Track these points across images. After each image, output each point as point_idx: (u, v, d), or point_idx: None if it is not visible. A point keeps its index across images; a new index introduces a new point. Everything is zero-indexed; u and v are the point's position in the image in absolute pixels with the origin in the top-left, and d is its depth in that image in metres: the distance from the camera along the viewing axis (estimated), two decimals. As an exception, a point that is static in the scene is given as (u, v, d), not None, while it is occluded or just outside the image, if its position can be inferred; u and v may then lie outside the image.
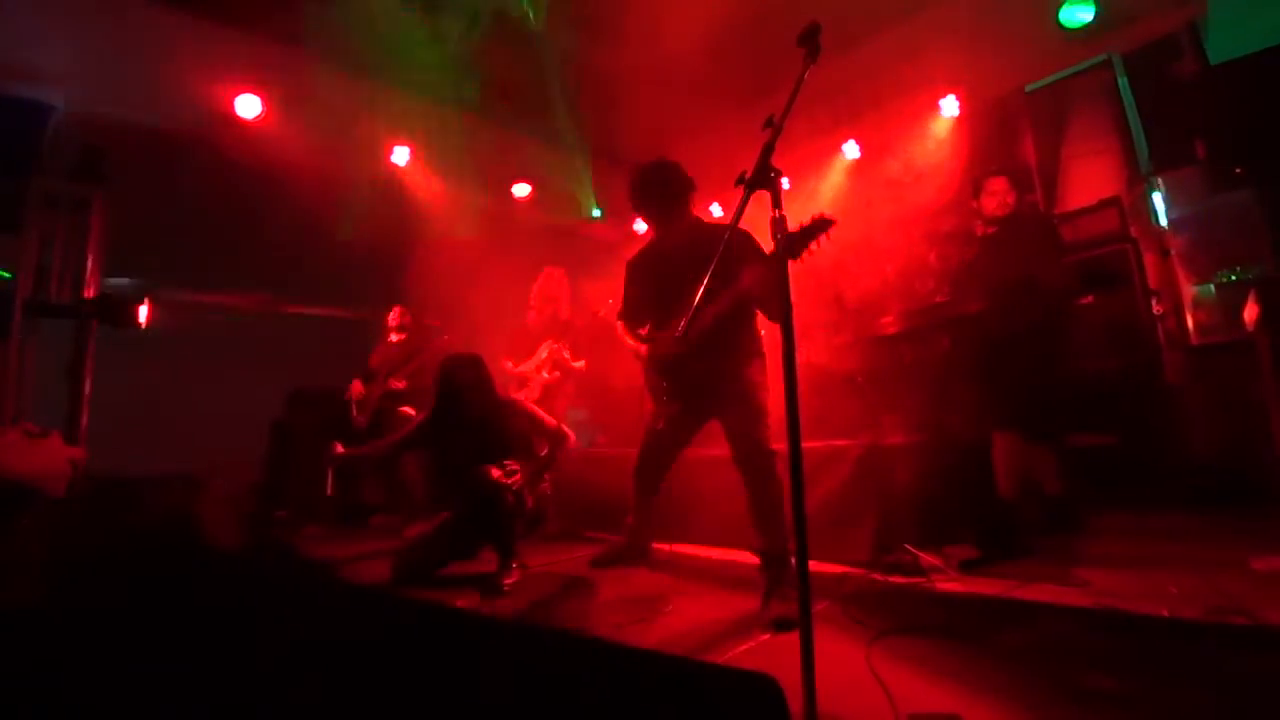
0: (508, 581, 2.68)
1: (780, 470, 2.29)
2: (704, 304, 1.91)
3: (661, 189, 2.67)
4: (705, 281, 1.82)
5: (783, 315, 2.28)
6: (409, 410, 4.55)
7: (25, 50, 3.99)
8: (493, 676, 0.94)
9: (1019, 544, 2.62)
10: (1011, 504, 2.81)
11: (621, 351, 3.02)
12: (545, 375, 4.24)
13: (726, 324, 2.36)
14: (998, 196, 3.10)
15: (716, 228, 2.56)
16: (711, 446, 2.74)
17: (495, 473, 2.72)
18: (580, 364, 4.41)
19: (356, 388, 4.56)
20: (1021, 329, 2.88)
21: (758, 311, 2.56)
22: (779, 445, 2.31)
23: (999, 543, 2.60)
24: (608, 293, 4.46)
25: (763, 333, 2.63)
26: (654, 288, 2.70)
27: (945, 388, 3.62)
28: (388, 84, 5.20)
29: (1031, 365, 2.82)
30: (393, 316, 4.83)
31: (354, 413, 4.56)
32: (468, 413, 2.93)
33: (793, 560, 2.17)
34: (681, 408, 2.62)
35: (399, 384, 4.48)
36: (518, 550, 2.80)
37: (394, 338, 4.78)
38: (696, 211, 2.75)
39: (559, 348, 4.35)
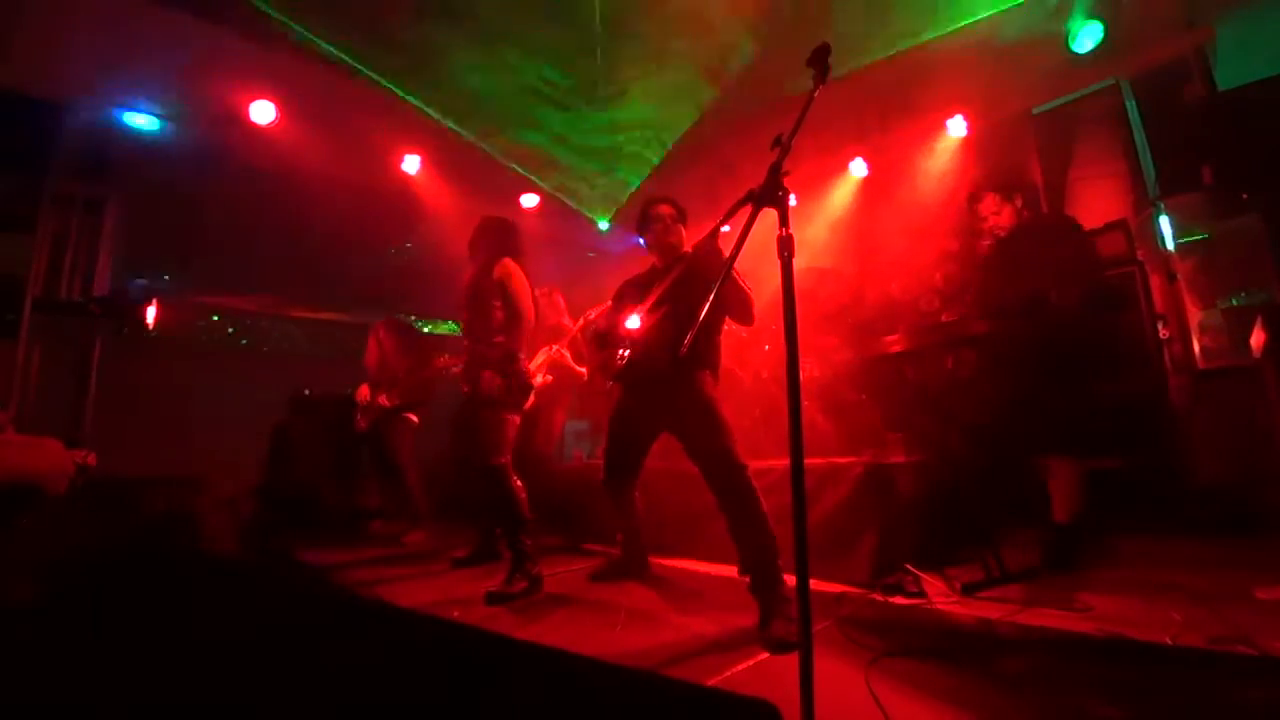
0: (512, 590, 2.67)
1: (755, 483, 2.27)
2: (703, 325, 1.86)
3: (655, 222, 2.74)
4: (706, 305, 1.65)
5: (750, 317, 2.32)
6: (411, 416, 4.56)
7: (43, 52, 4.05)
8: (483, 694, 0.93)
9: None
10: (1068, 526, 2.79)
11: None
12: (540, 379, 4.18)
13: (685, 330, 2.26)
14: (989, 220, 3.10)
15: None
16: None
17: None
18: (583, 369, 4.40)
19: (364, 393, 4.57)
20: (1026, 351, 2.87)
21: (723, 325, 2.62)
22: (771, 461, 2.32)
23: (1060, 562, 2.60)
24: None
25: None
26: (634, 304, 2.71)
27: (949, 407, 3.61)
28: (400, 93, 5.25)
29: (1048, 386, 2.80)
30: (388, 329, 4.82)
31: (358, 417, 4.58)
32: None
33: (787, 578, 2.17)
34: (635, 415, 2.67)
35: (392, 401, 4.47)
36: (530, 553, 2.79)
37: (391, 344, 4.78)
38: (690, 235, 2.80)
39: (559, 348, 4.32)
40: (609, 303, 3.02)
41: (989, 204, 3.11)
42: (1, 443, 3.07)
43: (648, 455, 2.79)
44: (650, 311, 2.56)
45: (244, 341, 6.33)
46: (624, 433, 2.75)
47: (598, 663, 0.93)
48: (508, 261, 3.04)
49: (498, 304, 2.98)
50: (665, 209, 2.75)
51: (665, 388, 2.47)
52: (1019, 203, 3.11)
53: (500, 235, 3.20)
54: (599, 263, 7.32)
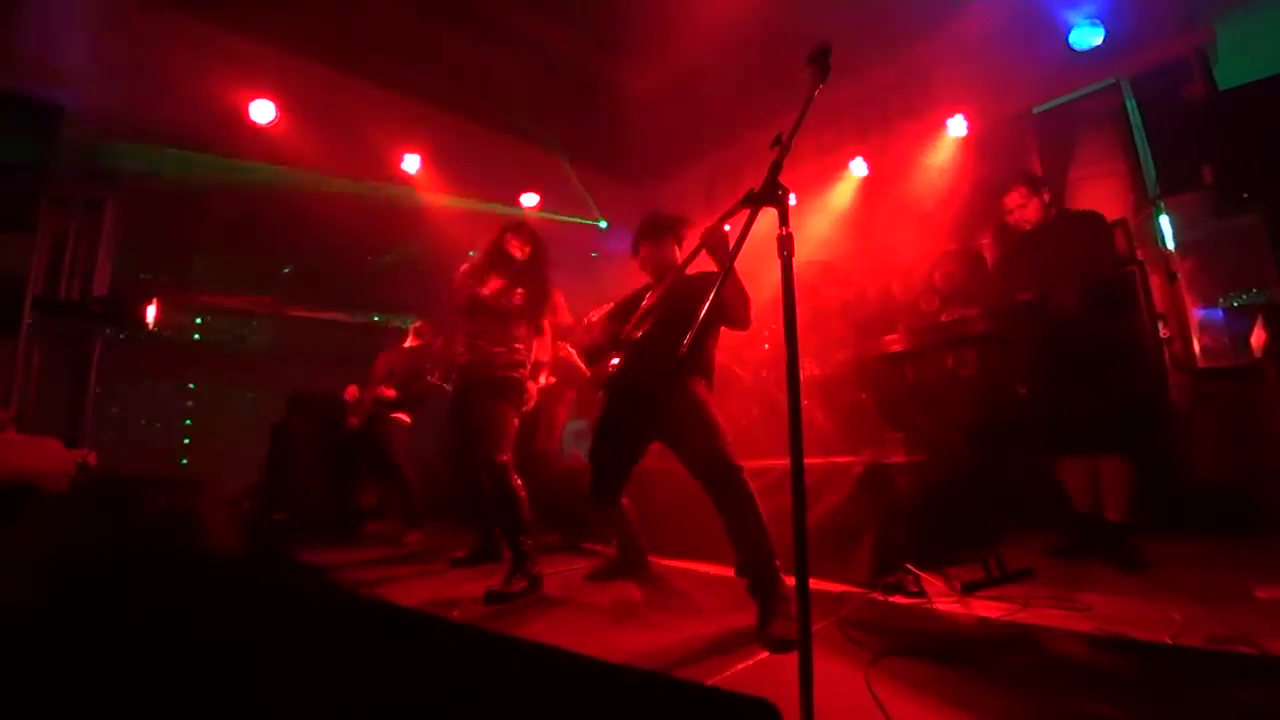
0: (511, 589, 2.67)
1: (751, 485, 2.26)
2: (702, 329, 1.80)
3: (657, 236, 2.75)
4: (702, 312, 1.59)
5: (746, 323, 2.32)
6: (403, 416, 4.56)
7: (43, 52, 4.05)
8: (482, 693, 0.93)
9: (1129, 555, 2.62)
10: (1087, 516, 2.82)
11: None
12: (541, 380, 4.15)
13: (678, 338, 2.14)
14: (1014, 213, 3.06)
15: (700, 276, 2.50)
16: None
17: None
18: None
19: (351, 391, 4.60)
20: (1027, 350, 2.86)
21: (718, 332, 2.60)
22: (769, 460, 2.31)
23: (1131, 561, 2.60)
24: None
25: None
26: (624, 320, 2.71)
27: (949, 406, 3.61)
28: (400, 92, 5.26)
29: (1049, 385, 2.80)
30: (414, 325, 4.91)
31: (348, 415, 4.59)
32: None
33: (786, 578, 2.16)
34: (623, 425, 2.61)
35: (389, 393, 4.49)
36: (530, 552, 2.79)
37: (407, 343, 4.81)
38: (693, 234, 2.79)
39: (560, 346, 4.29)
40: (610, 304, 3.01)
41: (1015, 197, 3.04)
42: (2, 442, 3.08)
43: (637, 464, 2.71)
44: (641, 320, 2.55)
45: (243, 341, 6.33)
46: (613, 442, 2.67)
47: (597, 662, 0.93)
48: (561, 296, 3.16)
49: (525, 322, 3.11)
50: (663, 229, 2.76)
51: (656, 396, 2.44)
52: (1047, 197, 3.04)
53: (548, 261, 3.25)
54: (600, 263, 7.33)
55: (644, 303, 2.60)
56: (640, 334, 2.53)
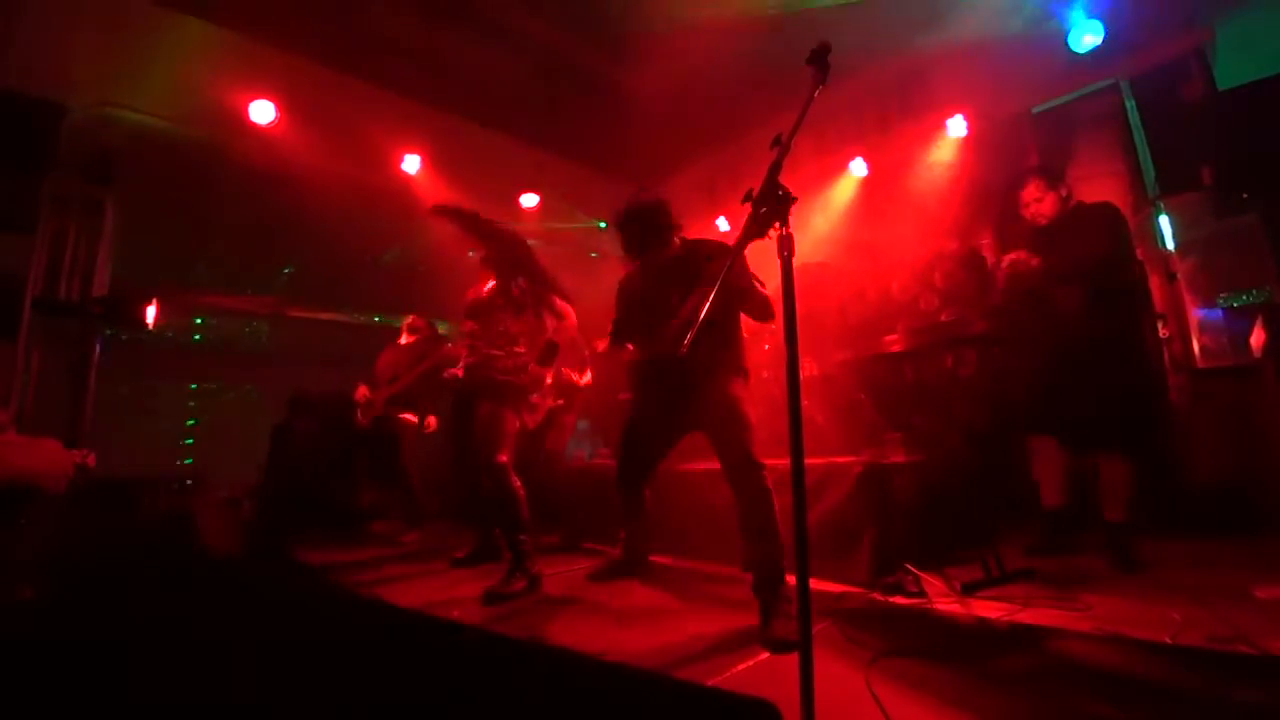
0: (510, 589, 2.67)
1: (770, 484, 2.27)
2: (707, 316, 1.79)
3: (644, 224, 2.68)
4: (711, 296, 1.66)
5: (768, 315, 2.32)
6: (410, 416, 4.56)
7: (43, 52, 4.04)
8: (483, 694, 0.93)
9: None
10: (1059, 511, 2.80)
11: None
12: (549, 401, 4.11)
13: (714, 334, 2.30)
14: (1029, 207, 3.01)
15: (705, 243, 2.56)
16: (711, 460, 2.72)
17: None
18: (586, 379, 4.39)
19: (362, 391, 4.60)
20: (1028, 349, 2.86)
21: (743, 329, 2.59)
22: (768, 460, 2.31)
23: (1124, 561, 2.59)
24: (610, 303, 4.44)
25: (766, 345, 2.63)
26: (641, 305, 2.69)
27: (948, 406, 3.61)
28: (399, 93, 5.25)
29: (1049, 383, 2.80)
30: (407, 321, 4.92)
31: (358, 415, 4.59)
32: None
33: (789, 578, 2.17)
34: (660, 415, 2.62)
35: (395, 389, 4.50)
36: (529, 552, 2.80)
37: (404, 340, 4.82)
38: (694, 233, 2.77)
39: (566, 373, 4.28)
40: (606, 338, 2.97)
41: (1032, 190, 2.98)
42: (2, 443, 3.07)
43: (668, 455, 2.75)
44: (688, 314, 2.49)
45: (244, 342, 6.33)
46: (650, 429, 2.69)
47: (598, 662, 0.93)
48: (565, 304, 3.13)
49: (517, 317, 3.10)
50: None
51: (692, 392, 2.45)
52: (1064, 192, 2.98)
53: (520, 246, 3.22)
54: (600, 263, 7.32)
55: (691, 299, 2.42)
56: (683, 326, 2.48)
